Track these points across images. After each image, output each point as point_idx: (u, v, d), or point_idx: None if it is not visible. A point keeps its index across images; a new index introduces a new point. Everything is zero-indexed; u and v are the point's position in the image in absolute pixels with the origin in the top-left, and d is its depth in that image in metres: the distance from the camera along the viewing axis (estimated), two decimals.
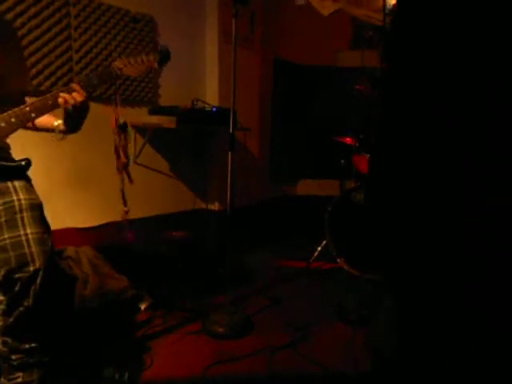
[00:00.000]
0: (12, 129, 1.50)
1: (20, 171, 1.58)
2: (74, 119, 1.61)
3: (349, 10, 3.65)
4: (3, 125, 1.48)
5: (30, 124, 1.60)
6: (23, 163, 1.56)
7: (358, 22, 4.40)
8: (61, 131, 1.63)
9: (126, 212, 2.26)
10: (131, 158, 3.16)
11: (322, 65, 4.56)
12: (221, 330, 2.24)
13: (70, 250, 2.46)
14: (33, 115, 1.52)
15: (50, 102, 1.54)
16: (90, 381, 1.79)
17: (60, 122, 1.63)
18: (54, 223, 2.64)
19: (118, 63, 1.68)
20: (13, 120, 1.49)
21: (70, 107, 1.55)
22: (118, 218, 2.90)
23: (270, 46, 4.19)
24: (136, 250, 2.91)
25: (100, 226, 2.92)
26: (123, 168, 2.20)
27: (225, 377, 1.90)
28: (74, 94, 1.54)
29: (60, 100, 1.54)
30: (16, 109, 1.50)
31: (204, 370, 1.92)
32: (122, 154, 2.26)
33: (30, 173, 1.73)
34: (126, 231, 2.42)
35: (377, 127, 0.94)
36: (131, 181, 2.23)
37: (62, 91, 1.55)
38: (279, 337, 2.23)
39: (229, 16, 2.72)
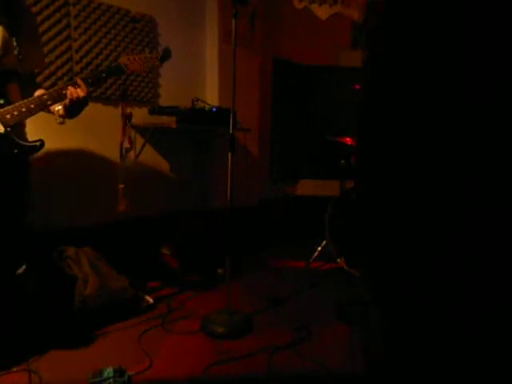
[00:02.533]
0: (31, 114, 1.74)
1: (33, 151, 1.79)
2: (75, 109, 1.83)
3: (347, 13, 3.64)
4: (24, 110, 1.72)
5: (46, 110, 1.84)
6: (38, 144, 1.78)
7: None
8: (60, 116, 1.84)
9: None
10: (131, 157, 3.16)
11: (322, 64, 4.56)
12: (221, 329, 2.24)
13: (70, 251, 2.46)
14: (49, 103, 1.78)
15: (64, 92, 1.79)
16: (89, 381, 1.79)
17: (60, 107, 1.84)
18: (54, 223, 2.67)
19: (124, 59, 1.94)
20: (32, 106, 1.73)
21: (74, 99, 1.78)
22: (118, 217, 2.92)
23: (269, 46, 4.19)
24: (136, 250, 2.92)
25: (100, 226, 2.91)
26: (125, 152, 2.45)
27: (225, 377, 1.89)
28: (79, 90, 1.79)
29: (68, 92, 1.78)
30: (35, 97, 1.75)
31: (204, 370, 1.92)
32: (126, 140, 2.48)
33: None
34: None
35: (359, 120, 0.91)
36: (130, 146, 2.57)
37: (69, 84, 1.80)
38: (279, 337, 2.22)
39: (229, 16, 2.72)
